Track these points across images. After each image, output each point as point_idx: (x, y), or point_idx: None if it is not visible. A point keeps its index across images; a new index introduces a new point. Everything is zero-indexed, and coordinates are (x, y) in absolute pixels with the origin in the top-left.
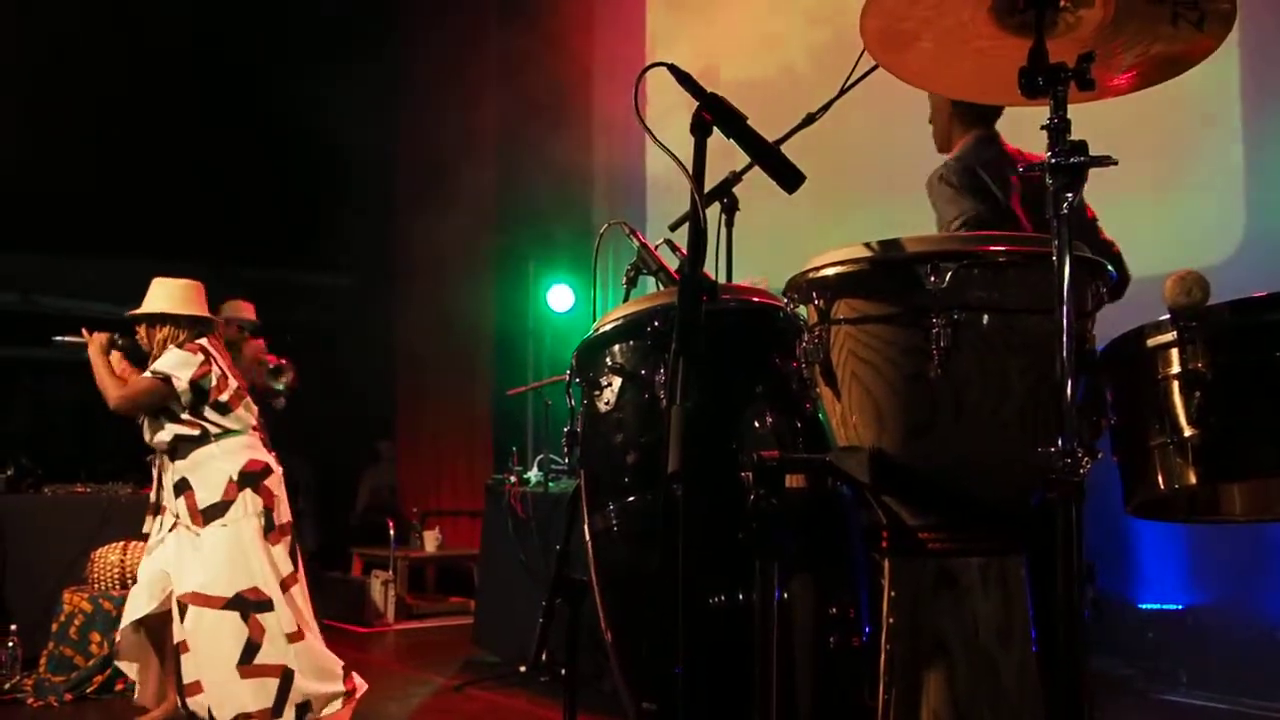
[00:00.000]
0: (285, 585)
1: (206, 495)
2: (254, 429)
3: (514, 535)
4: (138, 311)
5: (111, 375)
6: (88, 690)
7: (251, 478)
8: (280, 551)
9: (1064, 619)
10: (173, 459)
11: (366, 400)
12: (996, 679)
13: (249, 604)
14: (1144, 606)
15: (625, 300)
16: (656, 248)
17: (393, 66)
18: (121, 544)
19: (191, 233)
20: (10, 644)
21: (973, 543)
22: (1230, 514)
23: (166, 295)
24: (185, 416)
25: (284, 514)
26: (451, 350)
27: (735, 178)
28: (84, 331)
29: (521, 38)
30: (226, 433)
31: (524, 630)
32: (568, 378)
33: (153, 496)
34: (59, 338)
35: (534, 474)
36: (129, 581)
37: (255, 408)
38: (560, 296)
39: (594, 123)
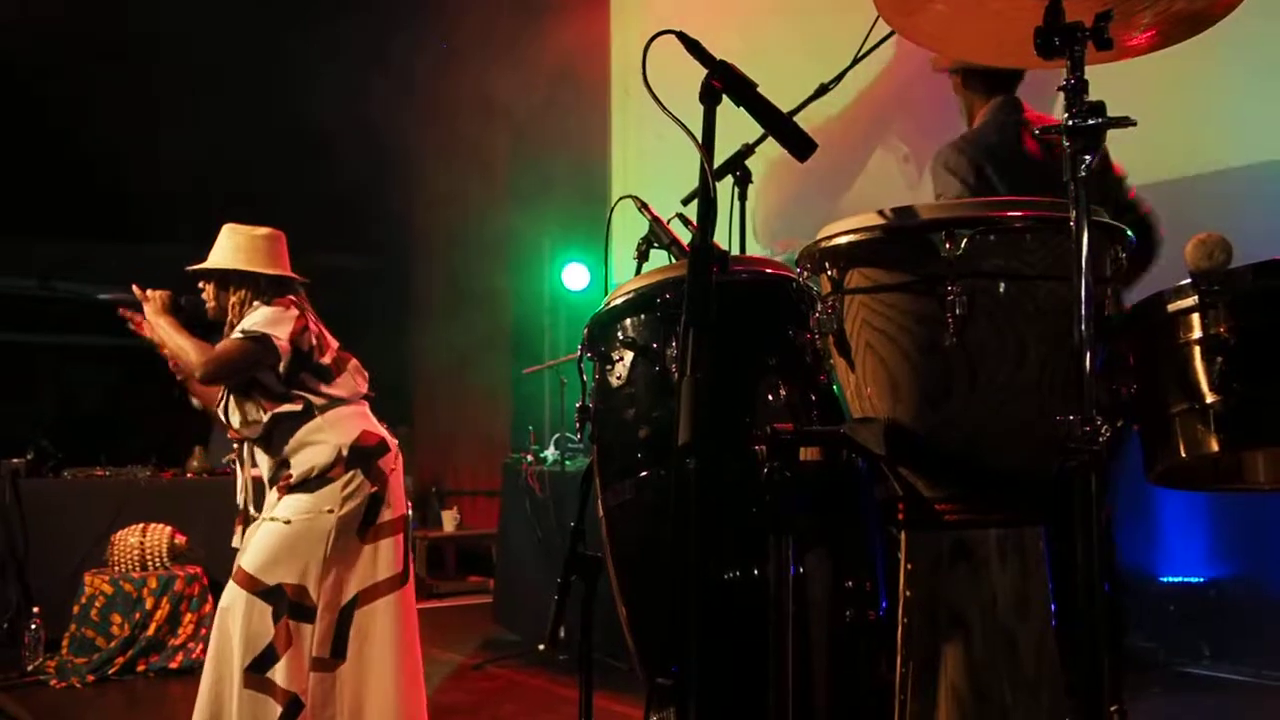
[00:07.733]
0: (361, 600)
1: (304, 469)
2: (363, 398)
3: (531, 514)
4: (205, 266)
5: (188, 337)
6: (109, 672)
7: (365, 454)
8: (368, 557)
9: (1083, 590)
10: (269, 446)
11: (383, 383)
12: (1014, 652)
13: (285, 602)
14: (1166, 579)
15: (637, 274)
16: (669, 221)
17: (407, 47)
18: (141, 526)
19: (208, 219)
20: (33, 626)
21: (990, 514)
22: (1254, 482)
23: (240, 247)
24: (281, 389)
25: (395, 506)
26: (467, 331)
27: (748, 150)
28: (135, 289)
29: (534, 14)
30: (334, 401)
31: (543, 608)
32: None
33: (239, 500)
34: (104, 295)
35: (551, 452)
36: (148, 563)
37: (366, 373)
38: (576, 275)
39: (609, 99)
